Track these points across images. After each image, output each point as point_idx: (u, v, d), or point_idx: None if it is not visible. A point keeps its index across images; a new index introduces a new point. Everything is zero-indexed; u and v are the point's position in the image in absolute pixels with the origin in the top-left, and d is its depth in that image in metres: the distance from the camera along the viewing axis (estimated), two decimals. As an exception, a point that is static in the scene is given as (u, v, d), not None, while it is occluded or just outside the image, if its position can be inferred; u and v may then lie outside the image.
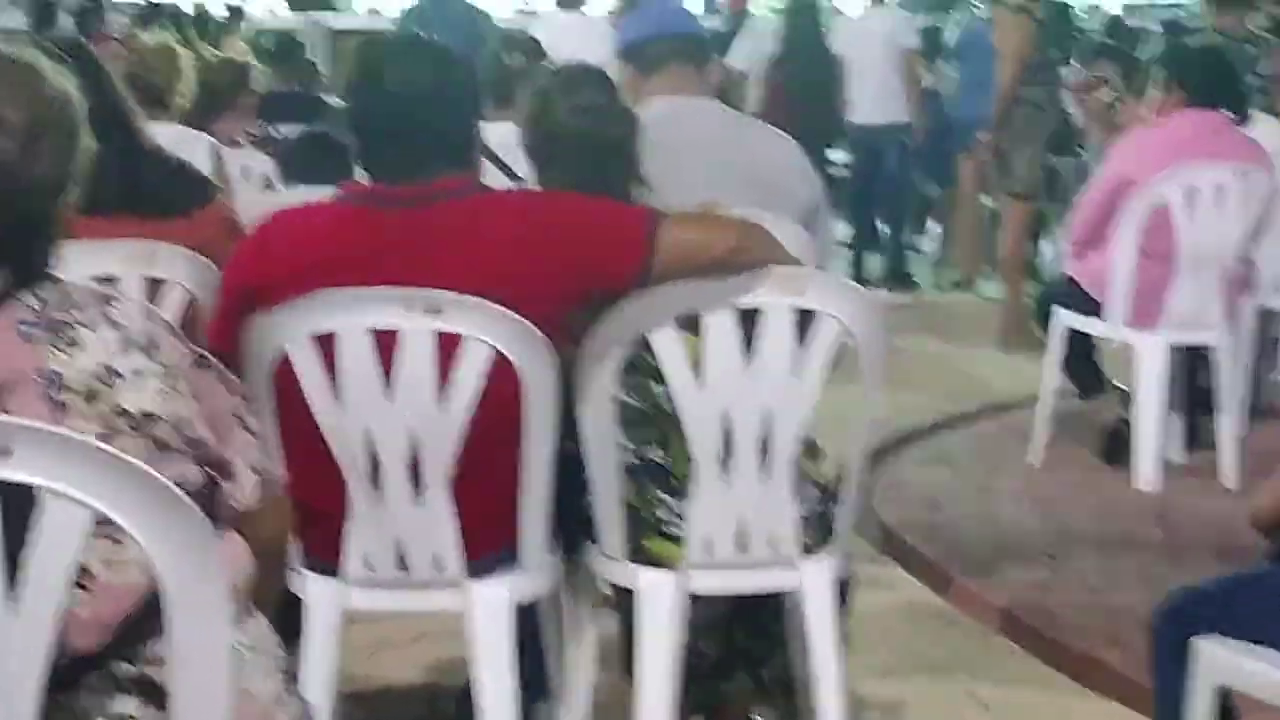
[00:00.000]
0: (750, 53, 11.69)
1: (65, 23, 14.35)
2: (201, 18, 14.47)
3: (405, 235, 3.29)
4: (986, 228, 11.44)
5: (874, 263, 11.92)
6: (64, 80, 2.38)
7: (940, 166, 11.93)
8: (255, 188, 6.95)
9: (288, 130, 8.73)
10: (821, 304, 3.50)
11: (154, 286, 3.85)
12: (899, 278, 11.73)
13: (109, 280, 3.68)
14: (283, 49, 12.01)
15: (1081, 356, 6.92)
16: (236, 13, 15.60)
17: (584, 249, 3.32)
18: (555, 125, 3.82)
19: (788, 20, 11.97)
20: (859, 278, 10.86)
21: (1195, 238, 6.41)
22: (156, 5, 14.15)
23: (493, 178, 4.39)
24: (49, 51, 2.45)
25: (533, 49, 5.87)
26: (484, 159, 3.77)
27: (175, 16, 13.18)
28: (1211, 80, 6.74)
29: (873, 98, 11.48)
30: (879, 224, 12.22)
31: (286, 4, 18.40)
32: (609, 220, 3.41)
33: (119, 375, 2.28)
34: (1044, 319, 7.05)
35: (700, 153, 4.20)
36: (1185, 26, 13.57)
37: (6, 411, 2.18)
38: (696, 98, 4.49)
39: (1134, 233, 6.42)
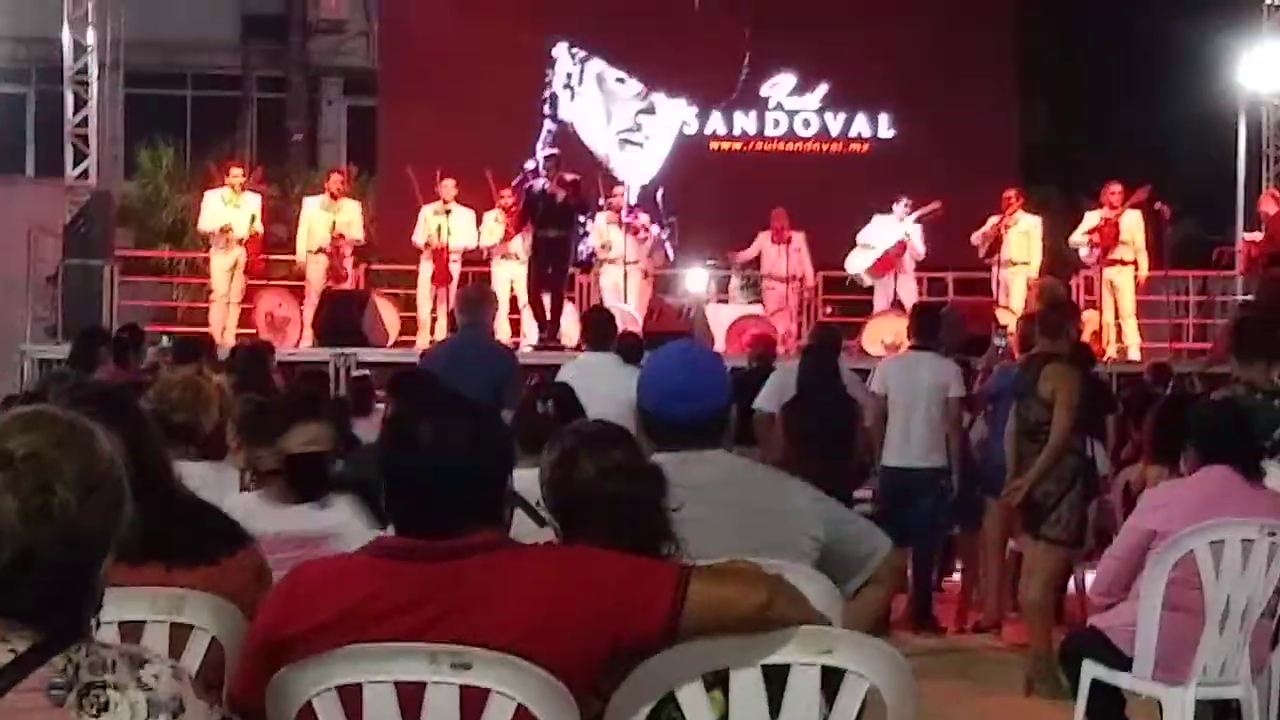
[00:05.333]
0: (781, 394, 11.63)
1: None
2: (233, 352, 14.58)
3: (433, 589, 3.29)
4: (1011, 572, 11.39)
5: (899, 604, 11.81)
6: (110, 443, 2.43)
7: (967, 509, 11.89)
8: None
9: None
10: (850, 663, 3.49)
11: (180, 632, 3.83)
12: (924, 620, 11.62)
13: (135, 625, 3.68)
14: (312, 386, 12.07)
15: (1108, 708, 6.84)
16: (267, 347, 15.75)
17: (611, 604, 3.32)
18: (584, 486, 3.84)
19: (803, 361, 12.04)
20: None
21: (1222, 592, 6.39)
22: (188, 341, 14.31)
23: (520, 522, 4.38)
24: (91, 406, 2.51)
25: (565, 396, 5.90)
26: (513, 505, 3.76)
27: (206, 349, 13.28)
28: (1220, 437, 6.74)
29: (917, 441, 11.45)
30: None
31: (314, 339, 18.54)
32: (637, 575, 3.41)
33: None
34: (1070, 667, 7.01)
35: (706, 499, 4.14)
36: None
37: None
38: (705, 451, 4.37)
39: (1161, 586, 6.40)
